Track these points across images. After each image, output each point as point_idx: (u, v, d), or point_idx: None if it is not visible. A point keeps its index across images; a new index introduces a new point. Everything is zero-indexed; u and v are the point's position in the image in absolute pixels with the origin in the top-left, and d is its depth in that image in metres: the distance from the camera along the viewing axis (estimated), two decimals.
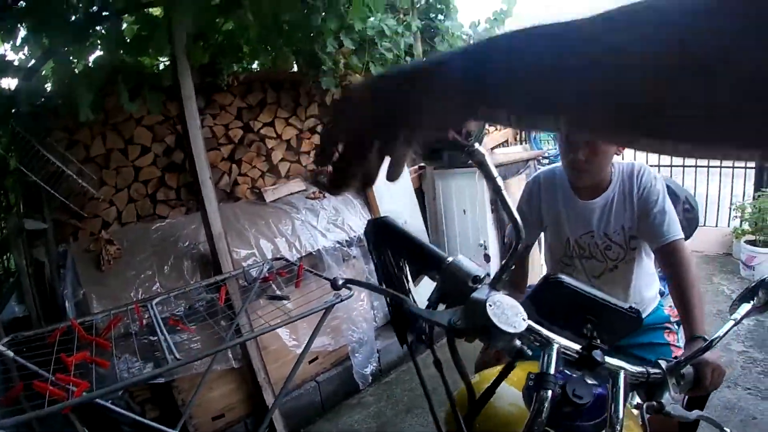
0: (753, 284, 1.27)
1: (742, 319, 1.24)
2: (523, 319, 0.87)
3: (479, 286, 0.91)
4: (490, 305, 0.84)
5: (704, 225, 5.76)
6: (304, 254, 3.28)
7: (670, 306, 1.99)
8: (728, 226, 5.79)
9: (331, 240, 3.49)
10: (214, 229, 2.79)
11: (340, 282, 0.97)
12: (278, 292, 2.84)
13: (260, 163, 3.68)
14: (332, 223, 3.60)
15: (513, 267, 0.98)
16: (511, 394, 1.15)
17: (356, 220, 3.71)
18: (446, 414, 1.15)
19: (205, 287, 2.67)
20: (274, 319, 2.09)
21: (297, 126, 3.84)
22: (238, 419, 3.06)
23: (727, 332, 1.24)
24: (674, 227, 1.73)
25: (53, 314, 2.53)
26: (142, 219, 3.11)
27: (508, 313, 0.86)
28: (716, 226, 5.91)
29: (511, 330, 0.84)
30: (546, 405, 0.87)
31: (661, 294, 2.04)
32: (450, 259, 0.96)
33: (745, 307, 1.25)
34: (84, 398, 1.55)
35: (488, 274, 0.95)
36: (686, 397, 1.46)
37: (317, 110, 3.96)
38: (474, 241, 4.19)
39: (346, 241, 3.55)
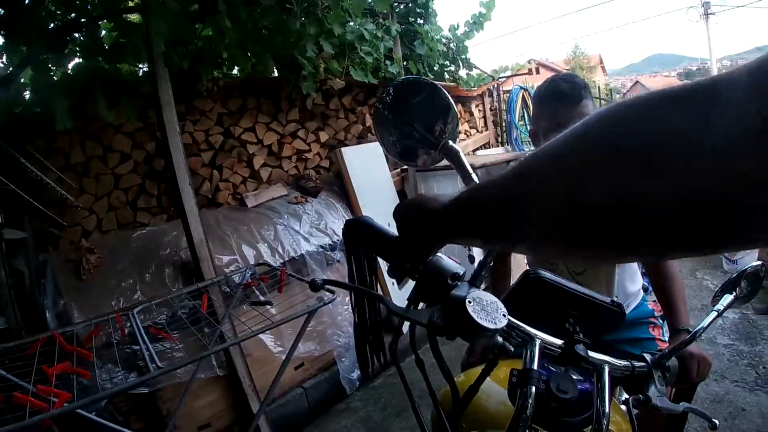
0: (735, 275, 1.30)
1: (725, 310, 1.27)
2: (504, 315, 0.87)
3: (458, 283, 0.91)
4: (470, 302, 0.85)
5: None
6: (287, 259, 3.29)
7: (654, 301, 2.02)
8: None
9: (314, 244, 3.50)
10: (195, 236, 2.80)
11: (319, 282, 0.95)
12: (261, 298, 2.84)
13: (241, 169, 3.69)
14: (315, 228, 3.62)
15: (492, 264, 1.00)
16: (496, 392, 1.17)
17: (339, 224, 3.73)
18: (431, 414, 1.16)
19: (187, 294, 2.65)
20: (257, 324, 2.10)
21: (278, 131, 3.86)
22: (224, 428, 3.04)
23: (710, 323, 1.26)
24: None
25: (34, 325, 2.51)
26: (122, 227, 3.09)
27: (488, 310, 0.86)
28: None
29: (491, 326, 0.84)
30: (530, 401, 0.88)
31: (645, 290, 2.08)
32: (429, 257, 0.96)
33: (728, 298, 1.27)
34: (65, 409, 1.55)
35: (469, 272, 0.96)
36: (673, 390, 1.49)
37: (297, 115, 3.98)
38: (463, 252, 4.23)
39: (330, 245, 3.57)
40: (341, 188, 4.05)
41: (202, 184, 3.48)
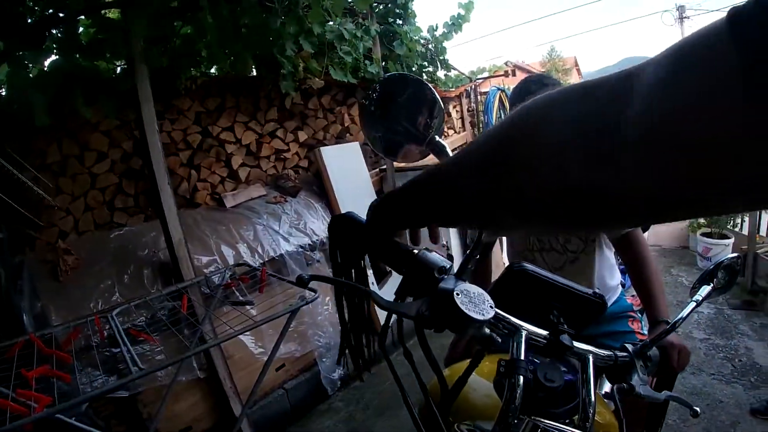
0: (712, 267, 1.35)
1: (703, 300, 1.32)
2: (491, 307, 0.89)
3: (445, 277, 0.93)
4: (457, 294, 0.87)
5: None
6: (266, 259, 3.31)
7: (633, 295, 2.10)
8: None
9: (294, 244, 3.52)
10: (174, 236, 2.80)
11: (306, 278, 0.95)
12: (241, 298, 2.86)
13: (220, 169, 3.70)
14: (294, 228, 3.64)
15: (477, 257, 1.03)
16: (482, 385, 1.20)
17: (319, 224, 3.75)
18: (420, 407, 1.18)
19: (167, 295, 2.65)
20: (238, 325, 2.11)
21: (256, 130, 3.88)
22: (205, 431, 3.05)
23: (689, 313, 1.31)
24: None
25: (11, 328, 2.48)
26: (99, 227, 3.08)
27: (476, 301, 0.88)
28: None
29: (479, 317, 0.86)
30: (519, 391, 0.91)
31: (623, 286, 2.15)
32: (416, 251, 0.97)
33: (706, 289, 1.33)
34: (45, 413, 1.54)
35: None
36: (655, 379, 1.53)
37: (276, 114, 4.00)
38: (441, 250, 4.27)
39: (309, 245, 3.60)
40: (320, 188, 4.08)
41: (180, 184, 3.48)
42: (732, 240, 5.42)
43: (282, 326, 2.16)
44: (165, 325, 2.48)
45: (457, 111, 6.55)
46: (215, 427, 3.07)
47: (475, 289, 0.90)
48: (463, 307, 0.85)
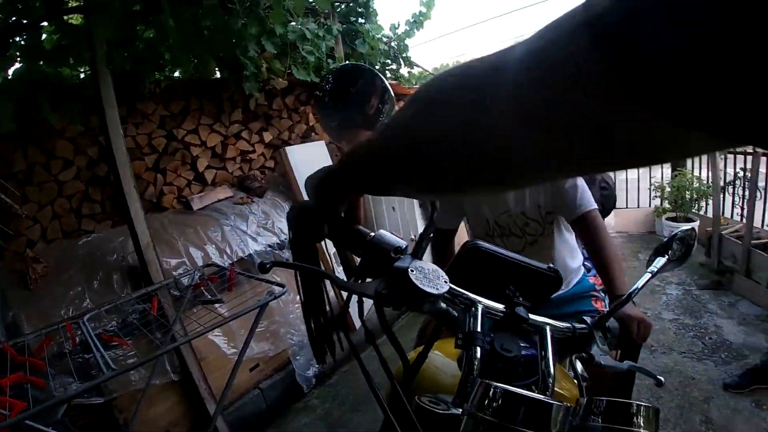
0: (667, 239, 1.41)
1: (659, 271, 1.37)
2: (445, 282, 0.96)
3: (401, 256, 0.98)
4: (412, 270, 0.93)
5: (627, 206, 6.39)
6: (235, 260, 3.37)
7: (595, 275, 2.20)
8: (649, 205, 6.42)
9: (262, 244, 3.60)
10: (142, 240, 2.85)
11: (268, 264, 0.94)
12: (211, 297, 2.91)
13: (185, 172, 3.75)
14: (262, 227, 3.71)
15: (432, 235, 1.11)
16: (450, 366, 1.24)
17: (286, 224, 3.80)
18: (386, 389, 1.25)
19: (137, 299, 2.69)
20: (208, 323, 2.17)
21: (221, 132, 3.94)
22: None
23: (644, 284, 1.36)
24: (587, 199, 1.91)
25: None
26: (67, 235, 3.12)
27: (430, 277, 0.94)
28: (638, 206, 6.55)
29: (433, 291, 0.92)
30: (476, 362, 0.96)
31: (589, 270, 2.27)
32: (372, 234, 1.01)
33: (661, 261, 1.38)
34: (21, 417, 1.58)
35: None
36: (618, 352, 1.62)
37: (241, 116, 4.06)
38: (405, 236, 4.38)
39: (278, 244, 3.67)
40: (287, 187, 4.15)
41: (147, 188, 3.52)
42: (697, 223, 5.63)
43: (252, 322, 2.24)
44: (137, 328, 2.52)
45: None
46: (192, 430, 3.11)
47: (429, 266, 0.96)
48: (417, 283, 0.91)
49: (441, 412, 0.98)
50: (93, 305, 2.75)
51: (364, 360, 1.04)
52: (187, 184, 3.78)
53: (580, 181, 1.95)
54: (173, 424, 3.04)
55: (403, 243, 0.99)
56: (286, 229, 3.76)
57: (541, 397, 0.91)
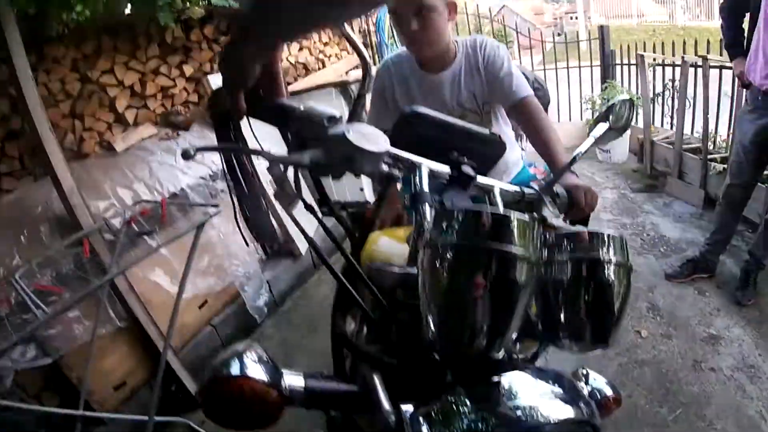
0: (606, 107, 1.46)
1: (601, 137, 1.43)
2: (385, 141, 0.94)
3: (335, 125, 0.95)
4: (349, 132, 0.91)
5: (559, 120, 6.56)
6: (167, 195, 3.25)
7: (535, 166, 2.26)
8: (581, 119, 6.63)
9: (194, 176, 3.47)
10: (65, 185, 2.69)
11: (191, 151, 0.93)
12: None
13: (105, 114, 3.57)
14: (192, 160, 3.56)
15: (363, 104, 1.09)
16: (401, 247, 1.21)
17: (216, 154, 3.70)
18: (342, 265, 1.19)
19: (68, 246, 2.59)
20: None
21: (138, 69, 3.74)
22: (141, 383, 3.04)
23: (588, 148, 1.42)
24: (522, 86, 1.94)
25: None
26: None
27: (370, 138, 0.92)
28: (570, 120, 6.81)
29: (374, 149, 0.91)
30: (426, 222, 0.93)
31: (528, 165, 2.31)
32: (302, 106, 0.98)
33: (603, 127, 1.43)
34: None
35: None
36: (568, 222, 1.62)
37: (157, 50, 3.87)
38: (355, 186, 4.48)
39: (210, 175, 3.56)
40: None
41: (65, 136, 3.34)
42: (628, 132, 5.81)
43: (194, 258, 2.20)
44: (75, 278, 2.44)
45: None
46: (151, 377, 3.07)
47: (368, 128, 0.95)
48: (356, 142, 0.89)
49: (395, 270, 1.01)
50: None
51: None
52: (108, 127, 3.59)
53: (515, 69, 1.97)
54: (129, 375, 2.98)
55: (337, 112, 0.96)
56: (217, 159, 3.65)
57: (499, 210, 0.90)
